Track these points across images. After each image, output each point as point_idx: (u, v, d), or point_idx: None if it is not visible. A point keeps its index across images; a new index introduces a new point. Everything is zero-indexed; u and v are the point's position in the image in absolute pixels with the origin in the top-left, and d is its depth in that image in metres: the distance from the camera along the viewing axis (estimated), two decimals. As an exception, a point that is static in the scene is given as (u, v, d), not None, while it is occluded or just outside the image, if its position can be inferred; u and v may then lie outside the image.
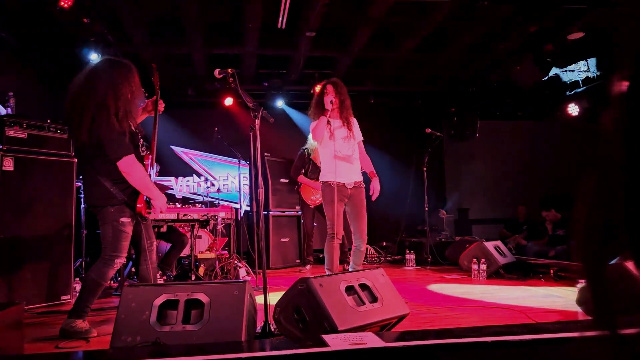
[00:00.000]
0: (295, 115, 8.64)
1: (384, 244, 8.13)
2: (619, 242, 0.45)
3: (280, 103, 8.21)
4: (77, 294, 4.30)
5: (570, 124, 7.91)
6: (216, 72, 3.08)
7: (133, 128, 3.14)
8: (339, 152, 4.10)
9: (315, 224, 6.70)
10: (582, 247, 0.48)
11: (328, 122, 4.11)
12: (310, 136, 6.64)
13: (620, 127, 0.44)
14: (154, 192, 3.11)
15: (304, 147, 6.60)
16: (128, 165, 2.97)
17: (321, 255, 7.66)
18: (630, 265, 0.45)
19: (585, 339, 0.48)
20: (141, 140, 3.29)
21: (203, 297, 2.35)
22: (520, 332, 1.96)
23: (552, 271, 5.27)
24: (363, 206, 4.13)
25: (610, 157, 0.45)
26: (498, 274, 5.47)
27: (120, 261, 3.08)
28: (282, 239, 7.15)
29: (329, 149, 4.11)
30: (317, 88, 4.22)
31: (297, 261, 7.20)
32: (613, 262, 0.46)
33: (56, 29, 5.68)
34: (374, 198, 4.16)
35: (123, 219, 3.05)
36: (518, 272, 5.58)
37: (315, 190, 6.47)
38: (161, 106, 3.52)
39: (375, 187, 4.15)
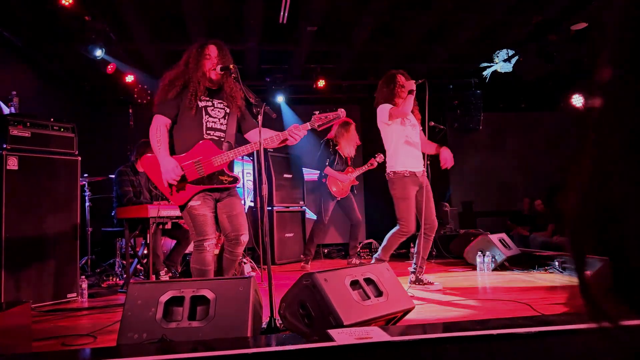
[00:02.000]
0: (298, 110, 8.63)
1: (389, 238, 8.12)
2: (601, 235, 0.45)
3: (282, 98, 8.20)
4: (84, 292, 4.35)
5: (575, 114, 7.86)
6: (218, 68, 3.06)
7: (200, 103, 3.02)
8: (410, 138, 4.16)
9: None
10: (571, 239, 0.48)
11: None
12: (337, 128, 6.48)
13: (604, 115, 0.44)
14: (160, 154, 2.96)
15: (327, 138, 6.44)
16: (152, 121, 3.03)
17: (326, 250, 7.70)
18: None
19: (589, 331, 0.47)
20: (220, 124, 3.08)
21: (208, 294, 2.35)
22: (526, 325, 1.96)
23: (557, 263, 5.26)
24: (430, 192, 4.24)
25: (594, 147, 0.45)
26: (503, 267, 5.46)
27: (207, 244, 2.98)
28: (287, 235, 7.16)
29: (401, 135, 4.15)
30: (394, 80, 4.28)
31: (302, 256, 7.21)
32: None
33: (59, 28, 5.68)
34: (449, 165, 4.23)
35: (192, 203, 3.00)
36: (523, 264, 5.57)
37: (341, 183, 6.35)
38: (293, 139, 3.06)
39: (448, 156, 4.22)
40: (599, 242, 0.44)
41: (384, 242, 4.21)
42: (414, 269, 4.38)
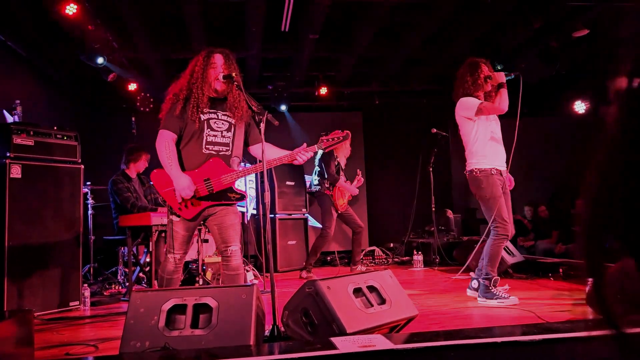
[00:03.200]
0: (300, 117, 8.64)
1: (391, 245, 8.12)
2: (619, 240, 0.44)
3: (284, 106, 8.21)
4: (87, 300, 4.35)
5: (577, 120, 7.86)
6: (220, 76, 3.06)
7: (202, 116, 2.97)
8: (495, 134, 3.84)
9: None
10: (583, 244, 0.47)
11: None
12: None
13: (621, 124, 0.44)
14: (173, 171, 2.91)
15: (329, 150, 6.19)
16: (157, 137, 2.98)
17: (329, 258, 7.68)
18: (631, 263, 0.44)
19: (593, 338, 0.47)
20: (223, 137, 3.04)
21: (211, 302, 2.35)
22: (530, 332, 1.95)
23: (561, 270, 5.24)
24: (509, 195, 3.93)
25: (612, 154, 0.45)
26: (507, 274, 5.44)
27: (170, 256, 3.00)
28: (289, 242, 7.15)
29: (486, 130, 3.85)
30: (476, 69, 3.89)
31: (304, 264, 7.20)
32: (620, 260, 0.46)
33: (62, 37, 5.72)
34: (512, 187, 3.96)
35: (171, 216, 3.02)
36: (527, 271, 5.54)
37: (344, 195, 6.13)
38: (301, 159, 3.05)
39: (510, 176, 3.96)
40: (625, 244, 0.44)
41: (488, 255, 3.78)
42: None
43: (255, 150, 3.25)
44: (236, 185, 3.11)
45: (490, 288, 3.77)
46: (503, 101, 3.77)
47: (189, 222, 3.02)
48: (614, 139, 0.44)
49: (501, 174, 3.84)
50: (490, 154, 3.81)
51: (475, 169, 3.83)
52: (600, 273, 0.46)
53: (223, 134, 3.07)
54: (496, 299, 3.73)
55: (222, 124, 3.07)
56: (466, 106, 3.84)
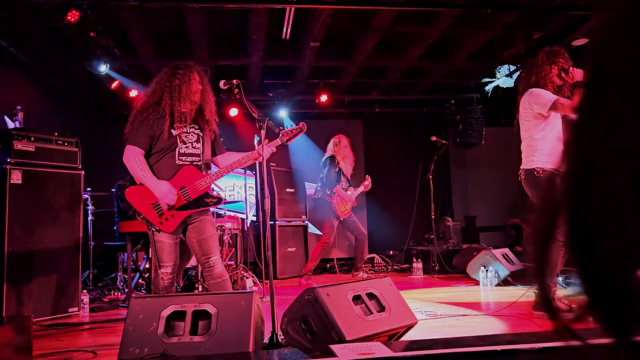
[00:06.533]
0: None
1: (391, 252, 8.10)
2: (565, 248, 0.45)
3: (285, 113, 8.23)
4: (86, 306, 4.34)
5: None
6: (221, 83, 3.08)
7: (174, 132, 2.97)
8: (560, 134, 3.46)
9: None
10: (532, 251, 0.48)
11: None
12: (333, 142, 6.26)
13: (577, 132, 0.45)
14: (150, 181, 2.89)
15: (332, 155, 6.17)
16: (124, 153, 2.95)
17: (328, 265, 7.67)
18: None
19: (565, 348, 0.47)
20: (194, 148, 3.05)
21: (210, 308, 2.34)
22: (530, 340, 1.95)
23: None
24: None
25: (569, 164, 0.46)
26: (506, 282, 5.43)
27: (160, 271, 2.96)
28: (289, 249, 7.14)
29: (554, 129, 3.50)
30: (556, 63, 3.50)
31: (304, 271, 7.18)
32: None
33: (63, 44, 5.74)
34: None
35: (152, 228, 2.98)
36: (527, 279, 5.53)
37: (346, 204, 6.15)
38: (266, 152, 3.03)
39: None
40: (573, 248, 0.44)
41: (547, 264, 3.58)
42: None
43: (220, 160, 3.27)
44: (211, 190, 3.15)
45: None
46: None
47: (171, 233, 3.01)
48: (572, 145, 0.46)
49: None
50: (556, 155, 3.42)
51: (538, 168, 3.44)
52: (545, 277, 0.47)
53: (194, 145, 3.08)
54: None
55: (192, 136, 3.08)
56: (540, 100, 3.42)
